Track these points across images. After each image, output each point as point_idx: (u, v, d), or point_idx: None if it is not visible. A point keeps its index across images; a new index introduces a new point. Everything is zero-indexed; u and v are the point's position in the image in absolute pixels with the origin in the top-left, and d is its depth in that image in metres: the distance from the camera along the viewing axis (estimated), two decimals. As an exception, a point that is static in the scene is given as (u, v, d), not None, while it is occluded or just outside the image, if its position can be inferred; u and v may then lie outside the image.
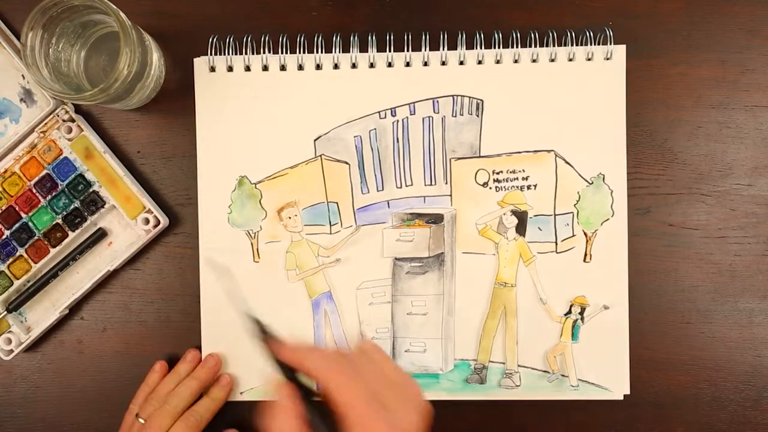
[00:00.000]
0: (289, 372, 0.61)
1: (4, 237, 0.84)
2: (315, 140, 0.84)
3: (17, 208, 0.84)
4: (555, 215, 0.83)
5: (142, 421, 0.77)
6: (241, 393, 0.85)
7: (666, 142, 0.84)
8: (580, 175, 0.83)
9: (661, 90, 0.84)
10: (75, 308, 0.86)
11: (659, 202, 0.84)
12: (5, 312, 0.84)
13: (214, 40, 0.83)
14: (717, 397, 0.85)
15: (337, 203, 0.84)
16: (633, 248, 0.84)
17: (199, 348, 0.85)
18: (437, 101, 0.83)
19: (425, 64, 0.83)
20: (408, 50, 0.82)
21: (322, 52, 0.83)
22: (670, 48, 0.84)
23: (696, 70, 0.84)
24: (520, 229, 0.84)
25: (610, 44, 0.82)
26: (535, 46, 0.82)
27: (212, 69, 0.84)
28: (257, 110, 0.84)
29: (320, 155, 0.84)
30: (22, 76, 0.84)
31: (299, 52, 0.83)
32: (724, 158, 0.84)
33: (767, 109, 0.84)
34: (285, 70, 0.83)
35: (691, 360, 0.85)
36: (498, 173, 0.83)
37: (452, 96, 0.83)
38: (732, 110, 0.84)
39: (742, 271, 0.85)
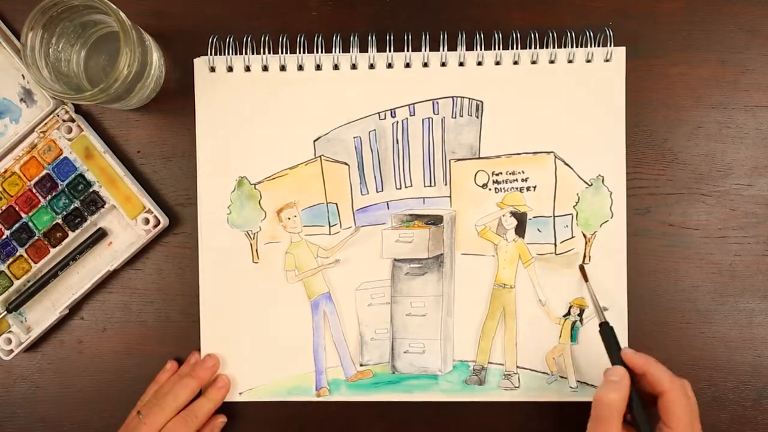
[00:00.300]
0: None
1: (4, 237, 0.84)
2: (314, 141, 0.84)
3: (17, 208, 0.84)
4: (554, 217, 0.83)
5: (140, 417, 0.77)
6: (240, 393, 0.85)
7: (666, 142, 0.84)
8: (579, 176, 0.83)
9: (661, 90, 0.84)
10: (75, 308, 0.86)
11: (659, 202, 0.84)
12: (5, 312, 0.84)
13: (214, 40, 0.83)
14: (717, 397, 0.85)
15: (336, 204, 0.84)
16: (633, 248, 0.83)
17: (199, 348, 0.85)
18: (437, 102, 0.83)
19: (425, 65, 0.83)
20: (408, 50, 0.82)
21: (322, 52, 0.83)
22: (670, 48, 0.84)
23: (696, 70, 0.84)
24: (520, 230, 0.84)
25: (610, 45, 0.82)
26: (535, 47, 0.82)
27: (212, 69, 0.84)
28: (257, 110, 0.84)
29: (320, 156, 0.84)
30: (22, 76, 0.84)
31: (299, 52, 0.83)
32: (724, 158, 0.84)
33: (767, 109, 0.84)
34: (285, 70, 0.83)
35: (691, 360, 0.85)
36: (497, 174, 0.83)
37: (452, 97, 0.83)
38: (732, 110, 0.84)
39: (742, 271, 0.85)
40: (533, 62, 0.82)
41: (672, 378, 0.71)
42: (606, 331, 0.78)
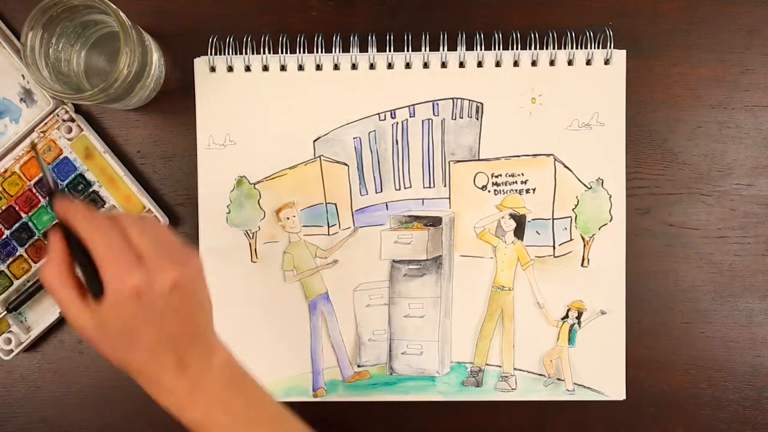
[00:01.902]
0: (63, 227, 0.63)
1: (4, 237, 0.84)
2: (314, 141, 0.84)
3: (17, 208, 0.84)
4: (553, 219, 0.83)
5: None
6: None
7: (666, 142, 0.84)
8: (578, 179, 0.83)
9: (661, 90, 0.84)
10: (75, 308, 0.86)
11: (659, 202, 0.84)
12: (5, 312, 0.84)
13: (214, 40, 0.83)
14: (717, 397, 0.85)
15: (335, 204, 0.84)
16: (633, 248, 0.84)
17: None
18: (437, 104, 0.83)
19: (425, 65, 0.83)
20: (408, 50, 0.82)
21: (322, 52, 0.82)
22: (670, 48, 0.84)
23: (696, 70, 0.84)
24: (518, 232, 0.84)
25: (610, 45, 0.81)
26: (535, 47, 0.82)
27: (212, 69, 0.83)
28: (257, 110, 0.84)
29: (319, 156, 0.84)
30: (22, 76, 0.84)
31: (299, 52, 0.82)
32: (724, 158, 0.84)
33: (767, 109, 0.84)
34: (285, 70, 0.83)
35: (691, 360, 0.85)
36: (497, 176, 0.83)
37: (452, 99, 0.83)
38: (732, 110, 0.84)
39: (742, 271, 0.85)
40: (533, 64, 0.82)
41: (83, 210, 0.62)
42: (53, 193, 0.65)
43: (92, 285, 0.61)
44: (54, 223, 0.65)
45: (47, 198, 0.69)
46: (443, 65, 0.83)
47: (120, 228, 0.62)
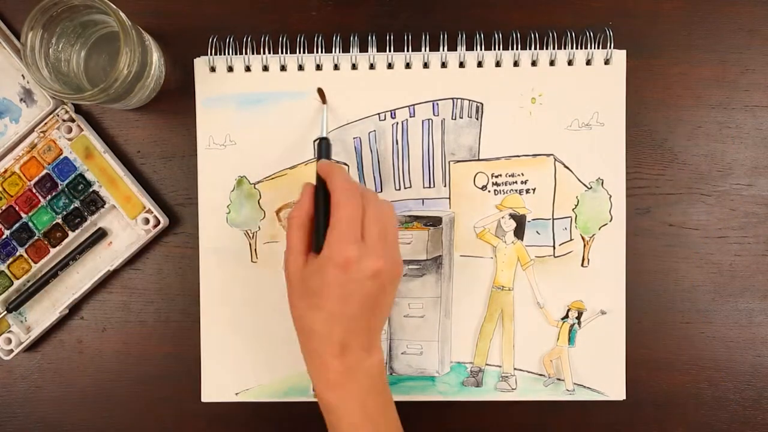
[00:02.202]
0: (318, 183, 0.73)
1: (4, 237, 0.84)
2: (314, 141, 0.83)
3: (17, 208, 0.84)
4: (553, 219, 0.83)
5: None
6: (236, 394, 0.85)
7: (666, 142, 0.84)
8: (578, 179, 0.83)
9: (661, 90, 0.84)
10: (75, 308, 0.86)
11: (659, 202, 0.84)
12: (5, 312, 0.84)
13: (214, 40, 0.83)
14: (717, 397, 0.85)
15: (335, 204, 0.84)
16: (633, 248, 0.83)
17: (198, 347, 0.85)
18: (437, 104, 0.83)
19: (425, 65, 0.82)
20: (408, 50, 0.82)
21: (322, 52, 0.82)
22: (670, 48, 0.84)
23: (696, 70, 0.84)
24: (519, 232, 0.84)
25: (610, 45, 0.81)
26: (535, 47, 0.82)
27: (212, 69, 0.83)
28: (257, 110, 0.84)
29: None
30: (22, 76, 0.84)
31: (299, 52, 0.82)
32: (724, 158, 0.84)
33: (767, 109, 0.84)
34: (285, 70, 0.83)
35: (691, 360, 0.85)
36: (497, 177, 0.83)
37: (452, 99, 0.83)
38: (732, 110, 0.84)
39: (742, 271, 0.85)
40: (533, 64, 0.82)
41: (345, 179, 0.71)
42: (321, 145, 0.78)
43: (318, 240, 0.70)
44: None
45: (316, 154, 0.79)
46: (443, 65, 0.83)
47: (362, 206, 0.69)
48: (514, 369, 0.84)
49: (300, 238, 0.71)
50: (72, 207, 0.84)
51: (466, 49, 0.82)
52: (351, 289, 0.67)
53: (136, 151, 0.86)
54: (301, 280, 0.70)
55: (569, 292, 0.83)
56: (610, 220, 0.83)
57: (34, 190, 0.84)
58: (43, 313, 0.86)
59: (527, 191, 0.83)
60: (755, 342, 0.85)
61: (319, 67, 0.83)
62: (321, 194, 0.72)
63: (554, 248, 0.83)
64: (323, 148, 0.77)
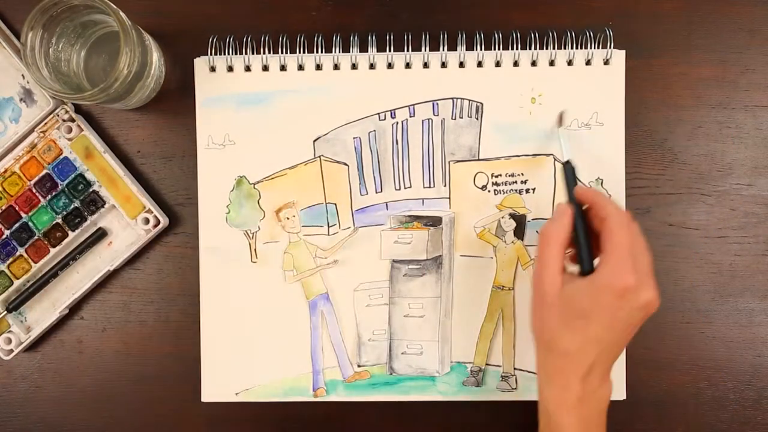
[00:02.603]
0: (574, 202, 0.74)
1: (4, 237, 0.84)
2: (314, 141, 0.83)
3: (17, 208, 0.84)
4: (553, 219, 0.83)
5: None
6: (236, 394, 0.85)
7: (666, 142, 0.84)
8: (578, 179, 0.83)
9: (661, 90, 0.84)
10: (75, 308, 0.86)
11: (659, 202, 0.84)
12: (5, 312, 0.84)
13: (214, 40, 0.83)
14: (717, 397, 0.85)
15: (335, 204, 0.84)
16: (633, 248, 0.84)
17: (198, 347, 0.85)
18: (437, 104, 0.83)
19: (425, 65, 0.82)
20: (408, 50, 0.82)
21: (322, 52, 0.82)
22: (670, 48, 0.84)
23: (696, 70, 0.84)
24: (519, 232, 0.84)
25: (610, 45, 0.81)
26: (535, 47, 0.82)
27: (212, 69, 0.83)
28: (257, 110, 0.84)
29: (319, 156, 0.83)
30: (22, 76, 0.84)
31: (299, 52, 0.82)
32: (724, 158, 0.84)
33: (767, 109, 0.84)
34: (285, 70, 0.83)
35: (691, 360, 0.85)
36: (497, 176, 0.83)
37: (452, 99, 0.83)
38: (732, 110, 0.84)
39: (742, 271, 0.85)
40: (533, 64, 0.82)
41: (617, 207, 0.70)
42: (567, 169, 0.76)
43: (586, 261, 0.71)
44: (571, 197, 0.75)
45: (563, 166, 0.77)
46: (443, 65, 0.83)
47: (634, 234, 0.69)
48: (515, 369, 0.84)
49: (556, 256, 0.70)
50: (72, 207, 0.84)
51: (466, 49, 0.82)
52: (620, 316, 0.67)
53: (136, 151, 0.86)
54: (562, 298, 0.69)
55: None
56: (611, 220, 0.83)
57: (34, 190, 0.84)
58: (43, 313, 0.86)
59: (527, 191, 0.83)
60: (755, 342, 0.85)
61: (319, 67, 0.83)
62: (580, 218, 0.72)
63: (554, 248, 0.83)
64: (570, 172, 0.76)
